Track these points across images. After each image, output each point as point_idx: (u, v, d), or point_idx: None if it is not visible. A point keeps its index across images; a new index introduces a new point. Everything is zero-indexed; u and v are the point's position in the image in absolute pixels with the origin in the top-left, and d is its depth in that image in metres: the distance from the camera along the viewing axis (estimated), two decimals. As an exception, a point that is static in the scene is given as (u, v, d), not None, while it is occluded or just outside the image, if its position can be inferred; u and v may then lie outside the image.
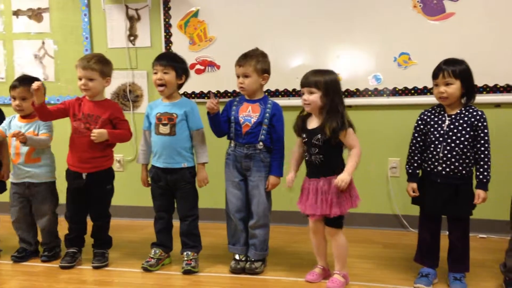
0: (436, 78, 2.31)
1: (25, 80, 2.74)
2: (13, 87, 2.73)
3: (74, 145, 2.67)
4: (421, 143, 2.39)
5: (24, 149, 2.71)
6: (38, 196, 2.76)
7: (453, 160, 2.27)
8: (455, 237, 2.35)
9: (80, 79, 2.62)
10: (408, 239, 3.01)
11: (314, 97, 2.29)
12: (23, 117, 2.77)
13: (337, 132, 2.25)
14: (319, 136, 2.29)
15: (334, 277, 2.37)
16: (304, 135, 2.37)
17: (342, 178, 2.22)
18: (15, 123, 2.77)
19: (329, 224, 2.36)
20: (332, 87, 2.29)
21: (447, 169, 2.28)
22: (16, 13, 3.70)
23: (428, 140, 2.35)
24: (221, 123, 2.56)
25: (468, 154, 2.27)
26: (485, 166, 2.27)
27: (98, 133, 2.57)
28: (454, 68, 2.27)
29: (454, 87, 2.27)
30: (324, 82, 2.28)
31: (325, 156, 2.30)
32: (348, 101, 3.17)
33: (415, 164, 2.40)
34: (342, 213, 2.28)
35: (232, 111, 2.58)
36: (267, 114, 2.53)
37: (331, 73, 2.35)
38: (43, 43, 3.69)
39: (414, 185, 2.39)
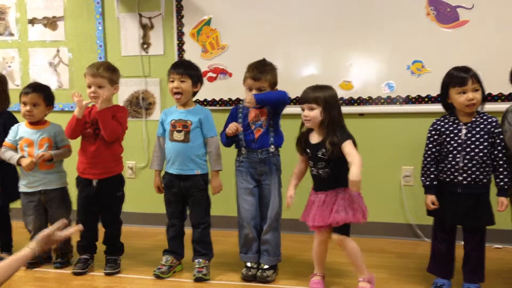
0: (464, 85, 2.23)
1: (38, 87, 2.78)
2: (25, 93, 2.72)
3: (84, 152, 2.69)
4: (436, 154, 2.34)
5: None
6: (54, 202, 2.77)
7: (473, 169, 2.24)
8: (470, 247, 2.31)
9: (90, 86, 2.63)
10: (421, 249, 2.97)
11: (314, 113, 2.31)
12: (32, 124, 2.76)
13: (337, 146, 2.25)
14: (323, 150, 2.29)
15: (359, 285, 2.34)
16: (308, 150, 2.38)
17: (352, 180, 2.14)
18: (23, 129, 2.75)
19: (336, 231, 2.33)
20: (331, 102, 2.31)
21: (468, 179, 2.25)
22: (32, 21, 3.75)
23: (445, 150, 2.31)
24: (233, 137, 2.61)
25: (488, 162, 2.25)
26: (505, 172, 2.24)
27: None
28: (476, 74, 2.25)
29: (480, 93, 2.25)
30: (324, 98, 2.30)
31: (332, 169, 2.30)
32: (360, 109, 3.20)
33: (432, 176, 2.34)
34: (343, 220, 2.25)
35: (239, 119, 2.60)
36: (271, 115, 2.58)
37: (329, 88, 2.37)
38: (58, 51, 3.73)
39: (433, 197, 2.33)
